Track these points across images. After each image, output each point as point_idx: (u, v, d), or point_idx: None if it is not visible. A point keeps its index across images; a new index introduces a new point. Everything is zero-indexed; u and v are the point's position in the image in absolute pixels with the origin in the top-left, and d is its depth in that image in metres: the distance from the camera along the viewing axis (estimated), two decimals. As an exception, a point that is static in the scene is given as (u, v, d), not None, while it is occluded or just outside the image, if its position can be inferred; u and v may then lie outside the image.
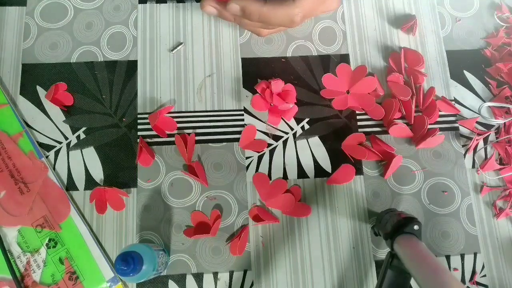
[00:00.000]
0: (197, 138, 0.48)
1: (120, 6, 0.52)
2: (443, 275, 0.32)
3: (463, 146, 0.49)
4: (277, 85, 0.48)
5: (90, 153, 0.47)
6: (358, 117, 0.50)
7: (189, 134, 0.48)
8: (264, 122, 0.49)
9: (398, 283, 0.39)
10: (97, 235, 0.45)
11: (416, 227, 0.38)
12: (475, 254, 0.46)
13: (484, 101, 0.51)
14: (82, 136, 0.48)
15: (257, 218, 0.46)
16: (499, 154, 0.49)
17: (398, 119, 0.50)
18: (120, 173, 0.47)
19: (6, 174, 0.46)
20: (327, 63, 0.51)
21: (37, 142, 0.47)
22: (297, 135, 0.49)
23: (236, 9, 0.36)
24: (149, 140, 0.48)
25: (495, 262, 0.46)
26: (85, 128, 0.48)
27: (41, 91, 0.49)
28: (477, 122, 0.50)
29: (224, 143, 0.48)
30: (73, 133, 0.48)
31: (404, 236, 0.38)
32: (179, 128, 0.49)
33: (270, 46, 0.52)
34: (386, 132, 0.49)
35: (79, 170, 0.47)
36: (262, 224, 0.46)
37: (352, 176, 0.48)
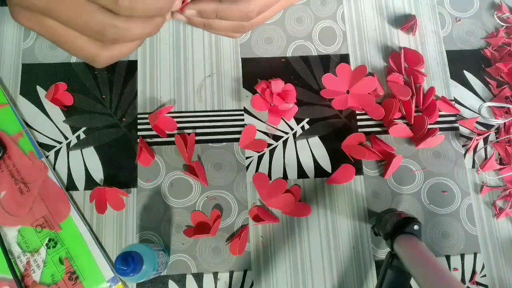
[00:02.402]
0: (197, 138, 0.48)
1: (120, 6, 0.52)
2: (443, 275, 0.32)
3: (463, 146, 0.49)
4: (277, 85, 0.48)
5: (90, 153, 0.47)
6: (358, 117, 0.50)
7: (189, 134, 0.48)
8: (264, 122, 0.49)
9: (398, 283, 0.39)
10: (97, 235, 0.45)
11: (416, 227, 0.38)
12: (475, 254, 0.46)
13: (484, 101, 0.51)
14: (82, 136, 0.48)
15: (257, 218, 0.46)
16: (499, 154, 0.49)
17: (398, 119, 0.50)
18: (120, 173, 0.47)
19: (6, 174, 0.46)
20: (327, 63, 0.51)
21: (37, 142, 0.47)
22: (297, 135, 0.49)
23: (193, 13, 0.38)
24: (149, 140, 0.48)
25: (495, 262, 0.46)
26: (85, 128, 0.48)
27: (41, 91, 0.49)
28: (477, 122, 0.50)
29: (224, 143, 0.48)
30: (73, 133, 0.48)
31: (404, 236, 0.38)
32: (179, 128, 0.49)
33: (270, 46, 0.52)
34: (386, 132, 0.49)
35: (79, 170, 0.47)
36: (262, 224, 0.46)
37: (352, 176, 0.48)
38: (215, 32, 0.41)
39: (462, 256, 0.46)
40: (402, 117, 0.50)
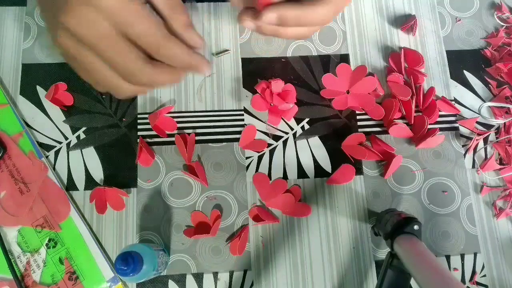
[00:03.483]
0: (197, 138, 0.48)
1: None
2: (443, 275, 0.32)
3: (463, 146, 0.49)
4: (277, 85, 0.48)
5: (90, 153, 0.47)
6: (358, 117, 0.50)
7: (189, 134, 0.48)
8: (264, 122, 0.49)
9: (398, 283, 0.39)
10: (97, 235, 0.45)
11: (416, 227, 0.38)
12: (475, 254, 0.46)
13: (484, 101, 0.51)
14: (82, 136, 0.48)
15: (257, 218, 0.46)
16: (499, 154, 0.49)
17: (398, 119, 0.50)
18: (120, 173, 0.47)
19: (6, 174, 0.46)
20: (327, 63, 0.51)
21: (37, 142, 0.47)
22: (297, 135, 0.49)
23: (273, 18, 0.34)
24: (149, 140, 0.48)
25: (495, 262, 0.46)
26: (85, 128, 0.48)
27: (41, 91, 0.49)
28: (477, 122, 0.50)
29: (224, 143, 0.48)
30: (73, 133, 0.48)
31: (404, 236, 0.38)
32: (179, 128, 0.49)
33: (270, 46, 0.52)
34: (386, 132, 0.49)
35: (79, 170, 0.47)
36: (262, 224, 0.46)
37: (352, 176, 0.48)
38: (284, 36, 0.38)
39: (462, 256, 0.46)
40: (402, 117, 0.50)
